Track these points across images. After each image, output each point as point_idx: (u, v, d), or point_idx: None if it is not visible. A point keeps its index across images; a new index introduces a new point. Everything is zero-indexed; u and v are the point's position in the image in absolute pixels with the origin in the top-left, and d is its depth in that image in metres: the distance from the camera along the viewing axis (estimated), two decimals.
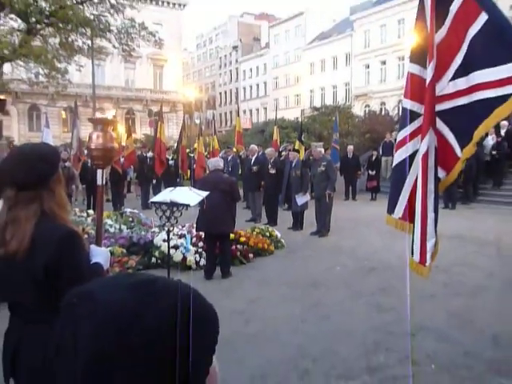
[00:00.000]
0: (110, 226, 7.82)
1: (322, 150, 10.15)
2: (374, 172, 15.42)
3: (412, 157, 2.49)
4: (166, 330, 0.69)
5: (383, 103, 37.95)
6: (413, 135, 2.50)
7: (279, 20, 56.59)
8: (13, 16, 18.86)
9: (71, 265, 1.72)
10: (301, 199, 9.63)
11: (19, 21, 19.07)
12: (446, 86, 2.41)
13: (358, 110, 35.83)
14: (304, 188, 9.69)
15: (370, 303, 5.37)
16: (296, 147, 12.26)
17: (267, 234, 8.24)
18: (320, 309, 5.20)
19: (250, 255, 7.37)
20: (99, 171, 2.07)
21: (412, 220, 2.48)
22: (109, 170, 13.59)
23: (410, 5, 36.55)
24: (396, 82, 38.37)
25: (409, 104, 2.54)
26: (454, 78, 2.39)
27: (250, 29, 63.41)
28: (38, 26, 19.12)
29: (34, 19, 18.68)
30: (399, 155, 2.57)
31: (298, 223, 9.89)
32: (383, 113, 26.60)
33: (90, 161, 12.83)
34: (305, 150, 12.58)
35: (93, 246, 1.95)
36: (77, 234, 1.80)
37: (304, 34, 50.65)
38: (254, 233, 8.05)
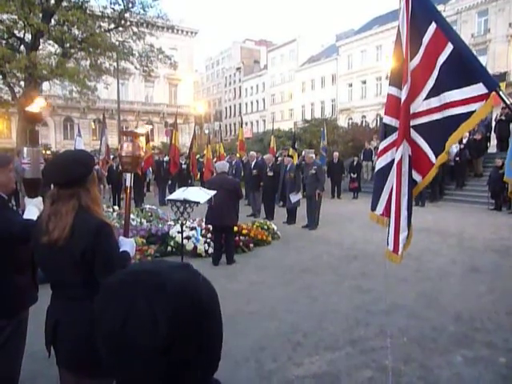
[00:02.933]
0: (133, 219, 7.81)
1: (314, 156, 10.15)
2: (356, 175, 15.52)
3: (391, 164, 2.51)
4: (214, 306, 0.71)
5: (364, 116, 37.87)
6: (391, 146, 2.51)
7: (276, 45, 56.44)
8: (50, 42, 18.83)
9: (104, 251, 1.74)
10: (294, 197, 9.64)
11: (56, 46, 19.03)
12: (420, 104, 2.41)
13: (343, 122, 35.84)
14: (297, 188, 9.69)
15: (352, 286, 5.37)
16: (290, 153, 12.26)
17: (265, 227, 8.24)
18: (310, 291, 5.21)
19: (251, 245, 7.37)
20: (128, 175, 2.08)
21: (388, 215, 2.50)
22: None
23: (386, 33, 36.59)
24: (374, 99, 38.38)
25: (388, 120, 2.56)
26: (427, 97, 2.40)
27: (251, 53, 63.28)
28: (72, 50, 19.07)
29: (68, 44, 18.64)
30: (380, 163, 2.59)
31: (291, 218, 9.89)
32: (364, 124, 26.50)
33: (115, 164, 12.86)
34: (298, 156, 12.57)
35: (121, 237, 1.96)
36: (109, 225, 1.82)
37: (297, 58, 50.57)
38: (254, 226, 8.05)
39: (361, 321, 4.24)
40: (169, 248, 6.80)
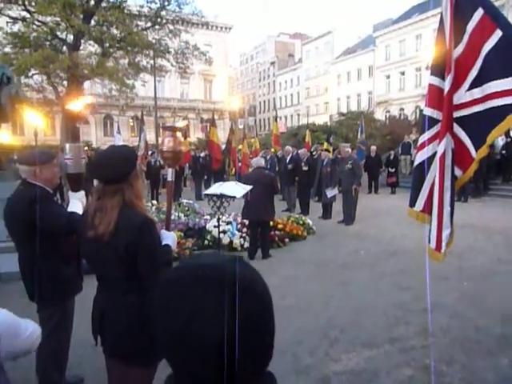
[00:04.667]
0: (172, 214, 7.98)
1: (350, 150, 9.98)
2: (394, 169, 15.11)
3: (431, 158, 2.42)
4: (269, 298, 0.73)
5: (402, 109, 36.77)
6: (432, 139, 2.42)
7: (310, 38, 55.71)
8: (91, 42, 19.50)
9: (147, 246, 1.78)
10: (330, 192, 9.53)
11: (96, 45, 19.68)
12: (463, 96, 2.32)
13: (380, 115, 34.92)
14: (333, 183, 9.58)
15: (390, 283, 5.26)
16: (326, 147, 12.12)
17: (301, 222, 8.20)
18: (346, 286, 5.15)
19: (286, 240, 7.37)
20: (169, 170, 2.13)
21: (430, 212, 2.42)
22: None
23: (427, 22, 35.21)
24: (413, 90, 37.10)
25: (429, 111, 2.46)
26: (470, 88, 2.30)
27: (286, 46, 62.77)
28: (111, 50, 19.66)
29: (107, 44, 19.23)
30: (420, 156, 2.50)
31: (327, 213, 9.79)
32: (402, 117, 25.74)
33: (153, 160, 13.19)
34: (333, 150, 12.41)
35: (163, 231, 2.01)
36: (152, 220, 1.87)
37: (332, 50, 49.69)
38: (290, 221, 8.03)
39: (400, 319, 4.15)
40: (205, 242, 6.92)
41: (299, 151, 11.49)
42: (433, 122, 2.43)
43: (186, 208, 8.96)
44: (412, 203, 2.57)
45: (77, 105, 2.50)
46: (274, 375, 0.76)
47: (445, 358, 3.32)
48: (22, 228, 2.32)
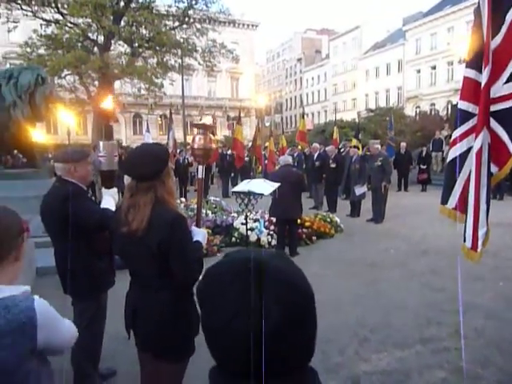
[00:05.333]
0: None
1: (379, 147, 9.79)
2: (425, 166, 14.73)
3: (466, 153, 2.34)
4: (312, 292, 0.74)
5: (433, 104, 35.73)
6: (467, 133, 2.34)
7: (338, 34, 54.95)
8: (120, 42, 19.95)
9: (179, 242, 1.81)
10: (359, 190, 9.39)
11: (125, 46, 20.12)
12: (500, 89, 2.23)
13: (410, 110, 34.11)
14: (362, 180, 9.43)
15: (422, 282, 5.14)
16: (355, 144, 11.94)
17: (328, 219, 8.12)
18: (376, 285, 5.07)
19: (314, 237, 7.32)
20: (200, 167, 2.15)
21: (464, 210, 2.34)
22: (196, 164, 14.09)
23: (459, 14, 34.08)
24: (445, 85, 35.97)
25: (464, 105, 2.38)
26: (508, 81, 2.21)
27: (312, 43, 62.17)
28: (140, 50, 20.05)
29: (136, 44, 19.63)
30: (454, 151, 2.41)
31: (355, 211, 9.66)
32: (433, 113, 25.04)
33: (181, 158, 13.37)
34: (362, 147, 12.22)
35: (193, 227, 2.03)
36: (183, 217, 1.89)
37: (360, 45, 48.82)
38: (317, 218, 7.97)
39: (432, 319, 4.05)
40: (233, 239, 6.97)
41: (327, 148, 11.37)
42: (467, 115, 2.35)
43: (214, 205, 9.03)
44: (444, 200, 2.50)
45: (110, 103, 2.56)
46: (316, 371, 0.76)
47: (480, 360, 3.22)
48: (58, 224, 2.40)
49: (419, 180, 14.80)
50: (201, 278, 0.76)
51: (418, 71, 40.48)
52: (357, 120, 21.77)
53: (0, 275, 1.16)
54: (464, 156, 2.40)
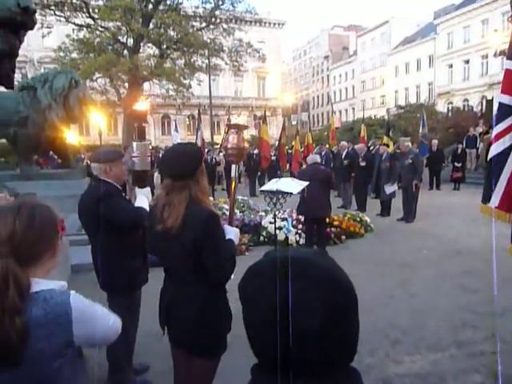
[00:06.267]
0: (227, 210, 8.12)
1: (410, 144, 9.57)
2: (460, 164, 14.24)
3: (509, 149, 2.24)
4: (354, 292, 0.74)
5: (466, 100, 34.58)
6: (510, 128, 2.24)
7: (366, 30, 54.06)
8: (149, 44, 20.37)
9: (213, 240, 1.83)
10: (389, 188, 9.20)
11: (154, 48, 20.52)
12: None
13: (441, 107, 33.15)
14: (392, 178, 9.24)
15: (455, 284, 4.99)
16: (385, 142, 11.72)
17: (358, 218, 8.01)
18: (408, 286, 4.96)
19: (343, 237, 7.24)
20: (233, 166, 2.18)
21: (509, 209, 2.24)
22: (223, 164, 14.19)
23: (493, 5, 32.85)
24: (479, 80, 34.76)
25: (505, 99, 2.28)
26: None
27: (340, 39, 61.40)
28: (168, 51, 20.42)
29: (165, 46, 19.99)
30: (496, 147, 2.31)
31: (385, 210, 9.47)
32: (466, 109, 24.22)
33: (209, 157, 13.50)
34: (392, 145, 11.98)
35: (226, 226, 2.06)
36: (216, 215, 1.92)
37: (389, 41, 47.84)
38: (346, 218, 7.87)
39: (467, 322, 3.93)
40: (261, 238, 6.98)
41: (356, 146, 11.22)
42: (509, 110, 2.25)
43: (242, 204, 9.08)
44: (485, 199, 2.41)
45: (144, 105, 2.62)
46: (360, 372, 0.75)
47: None
48: (94, 222, 2.47)
49: (452, 178, 14.33)
50: (243, 275, 0.77)
51: (450, 66, 39.28)
52: (386, 117, 21.34)
53: (37, 271, 1.20)
54: (507, 152, 2.30)
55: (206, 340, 1.89)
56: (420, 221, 8.72)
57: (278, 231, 6.75)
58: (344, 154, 11.11)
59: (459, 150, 14.41)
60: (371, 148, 12.39)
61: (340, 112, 55.39)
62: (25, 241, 1.15)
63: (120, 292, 2.65)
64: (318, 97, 63.45)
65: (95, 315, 1.28)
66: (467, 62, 37.29)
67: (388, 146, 10.56)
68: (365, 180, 10.34)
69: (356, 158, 10.46)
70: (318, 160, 6.85)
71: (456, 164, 14.27)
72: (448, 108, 30.24)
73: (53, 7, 18.56)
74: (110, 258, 2.52)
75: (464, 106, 29.41)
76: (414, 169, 8.67)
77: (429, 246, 6.73)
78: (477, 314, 4.08)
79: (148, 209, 2.29)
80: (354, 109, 53.22)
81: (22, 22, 4.12)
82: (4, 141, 8.60)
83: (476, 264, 5.59)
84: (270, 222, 6.78)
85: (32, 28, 4.38)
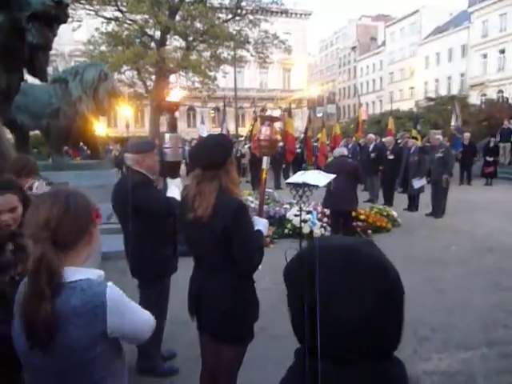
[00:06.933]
0: (251, 202, 8.14)
1: (440, 137, 9.31)
2: (493, 158, 13.76)
3: None
4: (400, 282, 0.75)
5: (501, 91, 33.24)
6: None
7: (395, 19, 52.65)
8: (176, 37, 20.50)
9: (241, 230, 1.86)
10: (417, 183, 9.01)
11: (180, 40, 20.64)
12: None
13: (474, 98, 32.01)
14: (421, 173, 9.03)
15: (487, 281, 4.86)
16: (414, 135, 11.45)
17: (384, 213, 7.88)
18: (436, 283, 4.86)
19: (369, 231, 7.15)
20: (265, 158, 2.19)
21: None
22: (248, 156, 14.21)
23: None
24: None
25: None
26: None
27: (368, 30, 60.05)
28: (194, 43, 20.49)
29: (191, 38, 20.08)
30: None
31: (413, 205, 9.28)
32: (501, 100, 23.32)
33: (234, 150, 13.53)
34: (421, 138, 11.69)
35: (255, 217, 2.08)
36: (246, 206, 1.95)
37: (419, 30, 46.41)
38: (373, 212, 7.76)
39: (499, 321, 3.83)
40: (286, 230, 6.97)
41: (384, 139, 11.01)
42: None
43: (267, 197, 9.06)
44: None
45: (176, 96, 2.65)
46: (403, 362, 0.75)
47: None
48: (127, 211, 2.54)
49: (484, 173, 13.87)
50: (289, 261, 0.77)
51: (485, 56, 37.79)
52: (415, 110, 20.80)
53: (74, 258, 1.23)
54: None
55: (234, 328, 1.93)
56: (449, 216, 8.50)
57: (302, 224, 6.73)
58: (371, 146, 10.92)
59: (491, 144, 13.91)
60: (399, 141, 12.14)
61: (367, 104, 54.35)
62: (61, 227, 1.18)
63: (151, 280, 2.71)
64: (344, 89, 62.48)
65: (131, 309, 1.29)
66: (503, 51, 35.78)
67: (416, 139, 10.31)
68: (392, 174, 10.15)
69: (384, 151, 10.27)
70: (345, 153, 6.77)
71: (488, 158, 13.80)
72: (481, 100, 29.21)
73: (83, 1, 18.90)
74: (142, 246, 2.59)
75: (498, 97, 28.30)
76: (444, 163, 8.44)
77: (458, 243, 6.56)
78: (509, 312, 3.97)
79: (179, 199, 2.33)
80: (381, 101, 52.13)
81: (56, 16, 4.20)
82: (37, 132, 8.88)
83: (509, 262, 5.43)
84: (295, 215, 6.76)
85: (65, 21, 4.45)
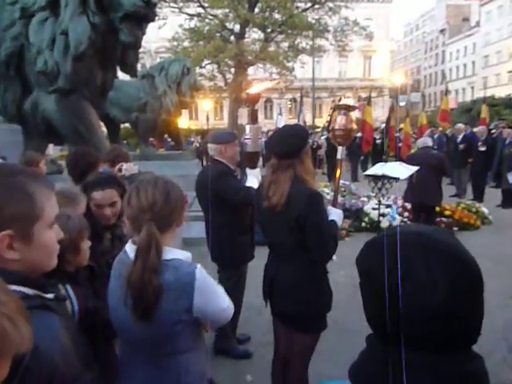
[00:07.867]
0: (327, 194, 8.03)
1: None
2: None
3: None
4: (480, 273, 0.71)
5: None
6: None
7: None
8: (254, 29, 20.78)
9: (315, 218, 1.87)
10: None
11: (259, 32, 20.88)
12: None
13: None
14: None
15: None
16: (509, 124, 10.39)
17: (473, 209, 7.30)
18: None
19: (455, 228, 6.66)
20: (340, 148, 2.17)
21: None
22: (324, 148, 13.99)
23: None
24: None
25: None
26: None
27: (459, 10, 55.25)
28: (273, 35, 20.60)
29: (269, 29, 20.21)
30: None
31: (507, 201, 8.47)
32: None
33: (310, 141, 13.41)
34: None
35: (330, 207, 2.07)
36: (320, 195, 1.96)
37: None
38: (459, 207, 7.22)
39: None
40: (362, 224, 6.78)
41: (475, 129, 10.15)
42: None
43: (343, 189, 8.89)
44: None
45: (258, 88, 2.72)
46: (483, 357, 0.72)
47: None
48: (208, 199, 2.67)
49: None
50: (361, 248, 0.78)
51: None
52: None
53: (167, 238, 1.35)
54: None
55: (307, 316, 1.96)
56: None
57: (381, 218, 6.51)
58: (460, 137, 10.11)
59: None
60: (493, 131, 11.09)
61: (456, 91, 50.32)
62: (162, 211, 1.30)
63: (229, 265, 2.84)
64: (430, 75, 58.43)
65: (215, 291, 1.38)
66: None
67: None
68: (484, 167, 9.33)
69: (474, 142, 9.47)
70: (430, 143, 6.36)
71: None
72: None
73: None
74: (222, 233, 2.71)
75: None
76: None
77: None
78: None
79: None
80: (472, 87, 47.89)
81: (145, 15, 4.50)
82: (126, 125, 9.63)
83: None
84: (373, 208, 6.55)
85: (153, 20, 4.77)
